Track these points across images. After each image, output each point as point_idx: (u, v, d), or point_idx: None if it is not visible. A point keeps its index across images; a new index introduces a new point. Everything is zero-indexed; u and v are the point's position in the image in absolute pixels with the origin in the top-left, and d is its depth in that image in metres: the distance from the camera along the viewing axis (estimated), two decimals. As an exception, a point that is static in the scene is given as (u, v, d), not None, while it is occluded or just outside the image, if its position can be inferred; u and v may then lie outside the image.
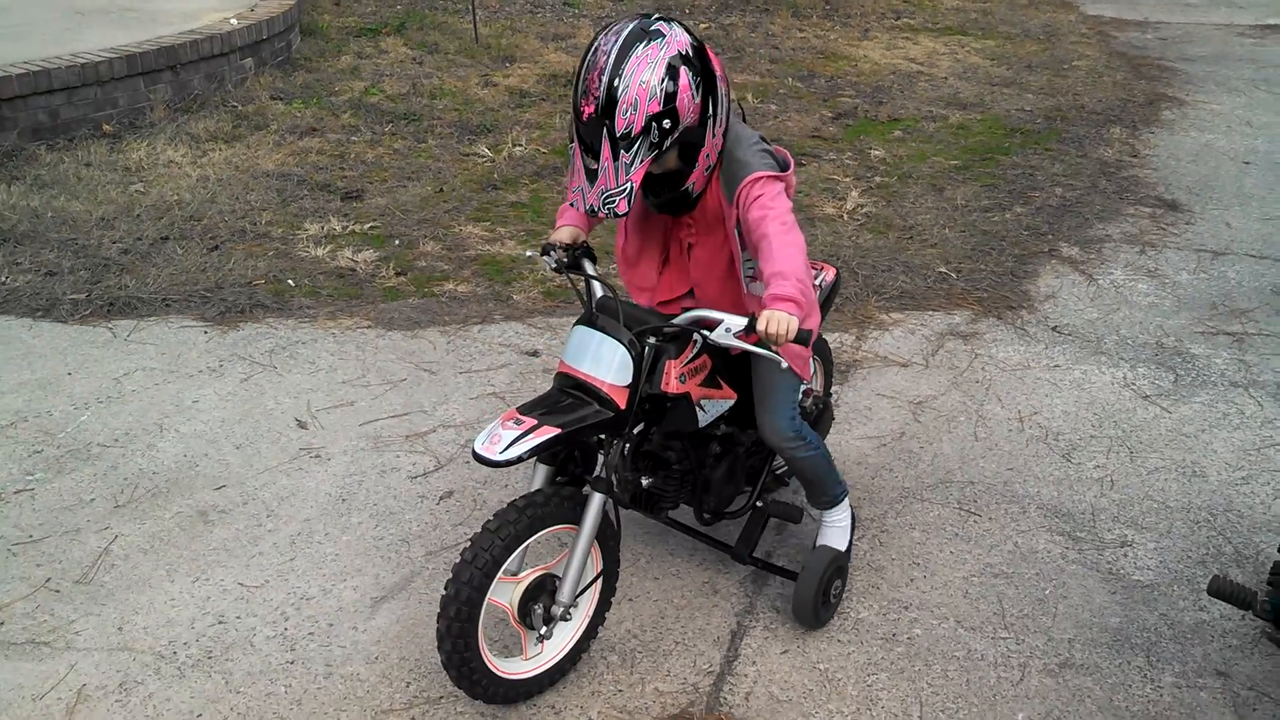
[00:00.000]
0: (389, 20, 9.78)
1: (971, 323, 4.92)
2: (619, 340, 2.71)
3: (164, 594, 3.19)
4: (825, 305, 3.45)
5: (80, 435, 3.93)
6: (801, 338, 2.53)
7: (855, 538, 3.49)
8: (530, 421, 2.59)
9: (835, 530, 3.26)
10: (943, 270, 5.40)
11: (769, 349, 2.62)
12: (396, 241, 5.59)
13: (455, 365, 4.46)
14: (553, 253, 2.92)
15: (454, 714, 2.81)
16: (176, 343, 4.56)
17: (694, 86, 2.58)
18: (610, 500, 2.79)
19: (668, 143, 2.58)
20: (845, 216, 6.04)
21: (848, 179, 6.61)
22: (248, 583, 3.25)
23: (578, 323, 2.81)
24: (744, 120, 2.93)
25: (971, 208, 6.21)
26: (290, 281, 5.10)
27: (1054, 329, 4.87)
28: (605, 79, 2.52)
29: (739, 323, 2.60)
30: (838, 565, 3.13)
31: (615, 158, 2.55)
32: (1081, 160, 7.00)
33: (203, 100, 7.44)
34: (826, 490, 3.21)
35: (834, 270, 3.51)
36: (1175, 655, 3.07)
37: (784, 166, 2.82)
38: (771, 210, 2.66)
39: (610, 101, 2.51)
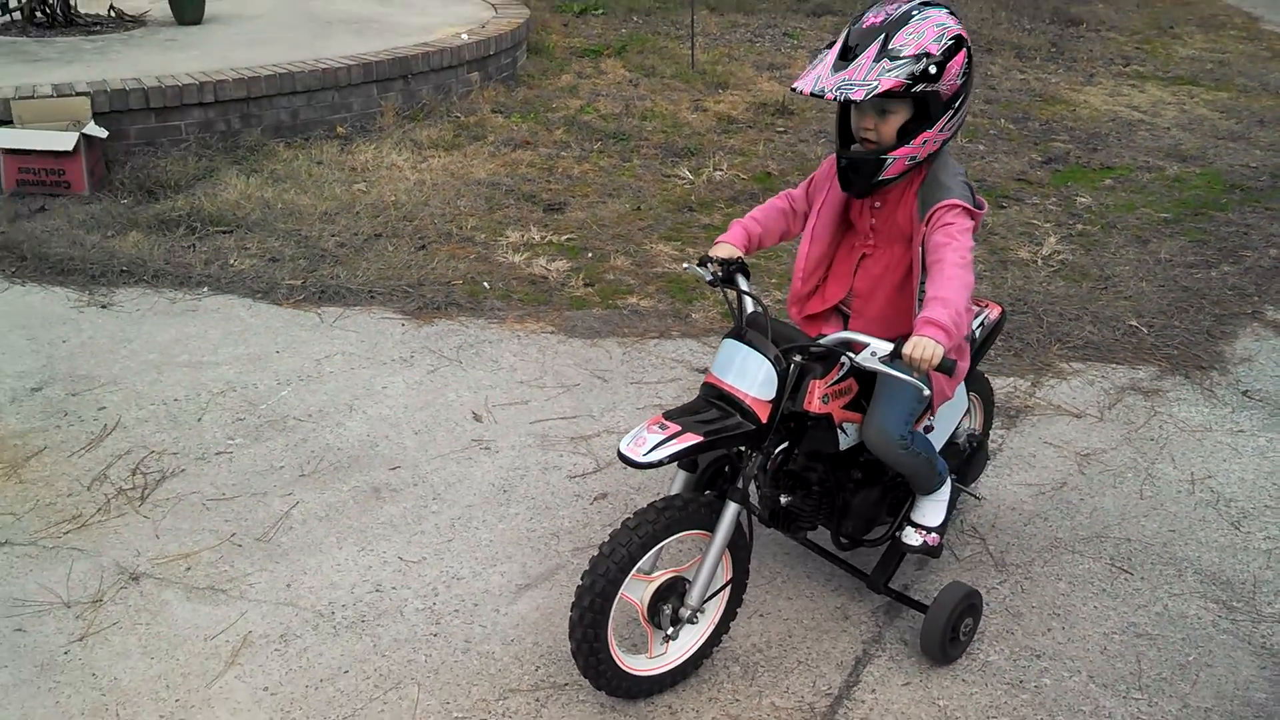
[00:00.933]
0: (612, 42, 10.13)
1: (1156, 379, 4.78)
2: (765, 355, 2.80)
3: (331, 559, 3.47)
4: (986, 342, 3.45)
5: (279, 408, 4.28)
6: (945, 367, 2.59)
7: (998, 581, 3.49)
8: (674, 428, 2.72)
9: (930, 505, 3.26)
10: (1133, 324, 5.25)
11: (912, 374, 2.67)
12: (589, 254, 5.82)
13: (628, 375, 4.63)
14: (709, 265, 3.04)
15: (576, 701, 2.95)
16: (375, 332, 4.90)
17: (963, 70, 2.78)
18: (745, 511, 2.88)
19: (920, 86, 2.71)
20: (1039, 262, 5.94)
21: (1048, 224, 6.49)
22: (407, 558, 3.49)
23: (727, 336, 2.92)
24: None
25: (1175, 262, 6.00)
26: (485, 284, 5.39)
27: (1244, 393, 4.68)
28: (905, 7, 2.75)
29: (885, 347, 2.67)
30: (970, 604, 3.12)
31: (877, 60, 2.68)
32: (1305, 222, 6.66)
33: (429, 109, 7.91)
34: (929, 482, 3.21)
35: (999, 308, 3.51)
36: (1320, 739, 2.95)
37: (979, 207, 2.91)
38: (956, 241, 2.75)
39: (902, 20, 2.71)
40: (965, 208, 2.82)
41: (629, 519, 2.78)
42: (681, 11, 11.02)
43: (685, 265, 3.27)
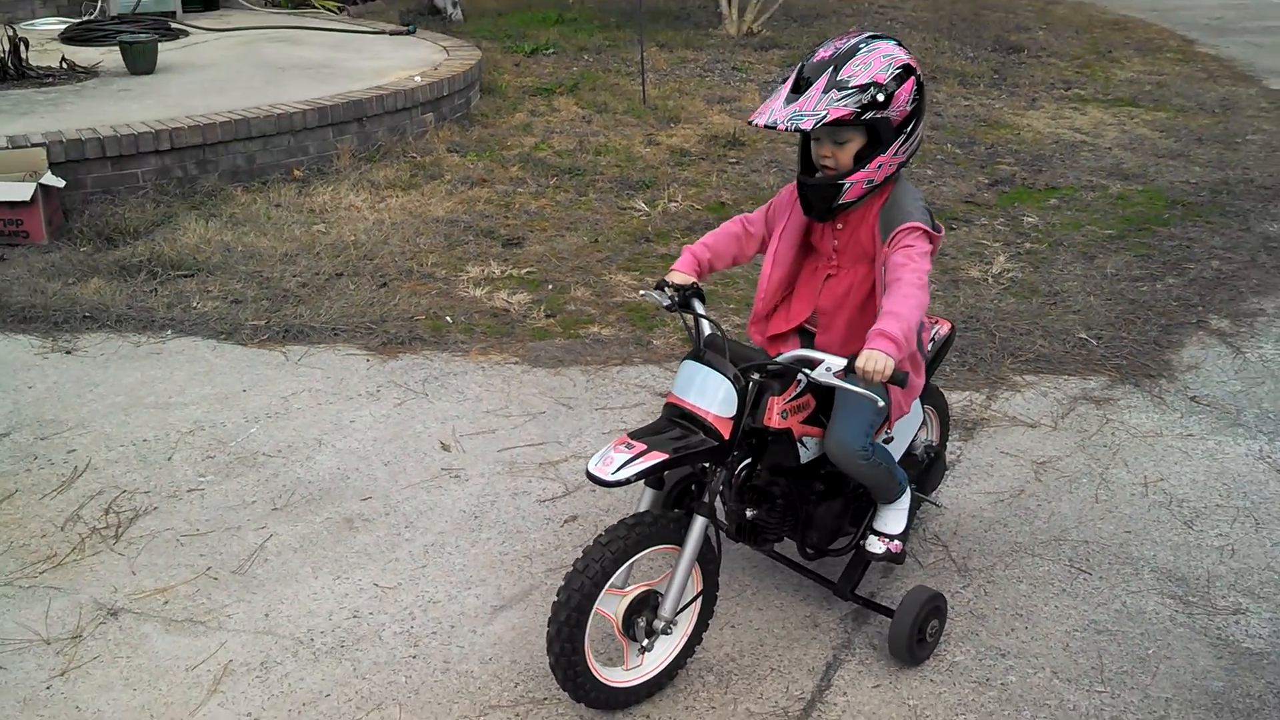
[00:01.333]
0: (564, 81, 10.26)
1: (1107, 389, 4.92)
2: (724, 375, 2.90)
3: (308, 588, 3.51)
4: (938, 357, 3.57)
5: (249, 445, 4.31)
6: (897, 379, 2.71)
7: (962, 585, 3.58)
8: (640, 446, 2.81)
9: (892, 513, 3.36)
10: (1083, 336, 5.40)
11: (866, 389, 2.78)
12: (549, 286, 5.90)
13: (592, 402, 4.71)
14: (665, 289, 3.16)
15: (555, 715, 3.01)
16: (341, 368, 4.95)
17: (911, 97, 2.93)
18: (712, 525, 2.97)
19: (869, 115, 2.85)
20: (990, 280, 6.10)
21: (996, 244, 6.65)
22: (383, 584, 3.53)
23: (686, 358, 3.03)
24: None
25: (1121, 276, 6.18)
26: (448, 318, 5.46)
27: (1192, 399, 4.83)
28: (853, 41, 2.92)
29: (839, 363, 2.79)
30: (934, 606, 3.21)
31: (825, 91, 2.83)
32: (1244, 234, 6.86)
33: (385, 150, 7.98)
34: (889, 491, 3.29)
35: (949, 324, 3.63)
36: (1276, 722, 3.05)
37: (937, 230, 3.06)
38: (914, 263, 2.88)
39: (849, 54, 2.88)
40: (925, 230, 2.96)
41: (601, 536, 2.85)
42: (631, 49, 11.18)
43: (642, 292, 3.38)
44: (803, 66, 2.93)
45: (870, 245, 3.08)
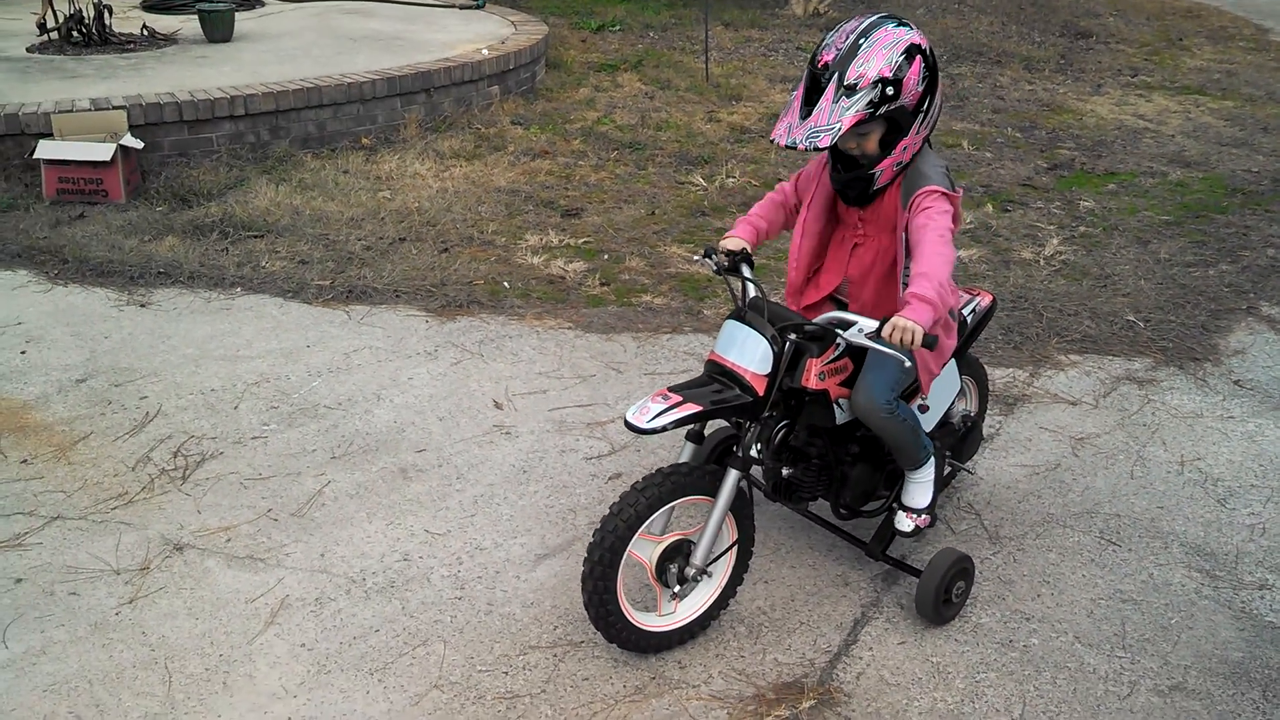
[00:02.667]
0: (628, 57, 10.38)
1: (1150, 370, 4.96)
2: (763, 335, 3.03)
3: (362, 532, 3.69)
4: (978, 328, 3.65)
5: (311, 397, 4.51)
6: (927, 342, 2.79)
7: (991, 552, 3.68)
8: (676, 398, 2.94)
9: (917, 487, 3.45)
10: (1131, 319, 5.43)
11: (895, 350, 2.89)
12: (605, 256, 6.05)
13: (641, 367, 4.84)
14: (714, 255, 3.28)
15: (590, 657, 3.16)
16: (401, 328, 5.13)
17: (921, 76, 2.94)
18: (745, 479, 3.10)
19: (883, 109, 2.90)
20: (1041, 261, 6.14)
21: (1051, 227, 6.68)
22: (433, 530, 3.71)
23: (729, 317, 3.15)
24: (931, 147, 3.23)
25: (1174, 262, 6.18)
26: (506, 284, 5.62)
27: (1236, 382, 4.86)
28: (852, 38, 2.91)
29: (870, 325, 2.90)
30: (961, 568, 3.32)
31: (835, 100, 2.86)
32: (1304, 223, 6.83)
33: (450, 121, 8.17)
34: (913, 455, 3.36)
35: (990, 297, 3.71)
36: (1292, 692, 3.13)
37: (955, 191, 3.11)
38: (934, 222, 2.95)
39: (850, 54, 2.88)
40: (942, 192, 3.02)
41: (638, 483, 2.99)
42: (696, 27, 11.27)
43: (696, 257, 3.49)
44: (808, 74, 2.96)
45: (894, 214, 3.16)
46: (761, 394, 3.02)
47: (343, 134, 7.71)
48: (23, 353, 4.79)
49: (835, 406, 3.22)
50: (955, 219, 3.07)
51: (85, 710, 2.94)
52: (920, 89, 2.96)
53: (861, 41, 2.90)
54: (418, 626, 3.27)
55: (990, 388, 4.16)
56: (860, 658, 3.21)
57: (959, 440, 3.86)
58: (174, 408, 4.40)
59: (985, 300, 3.70)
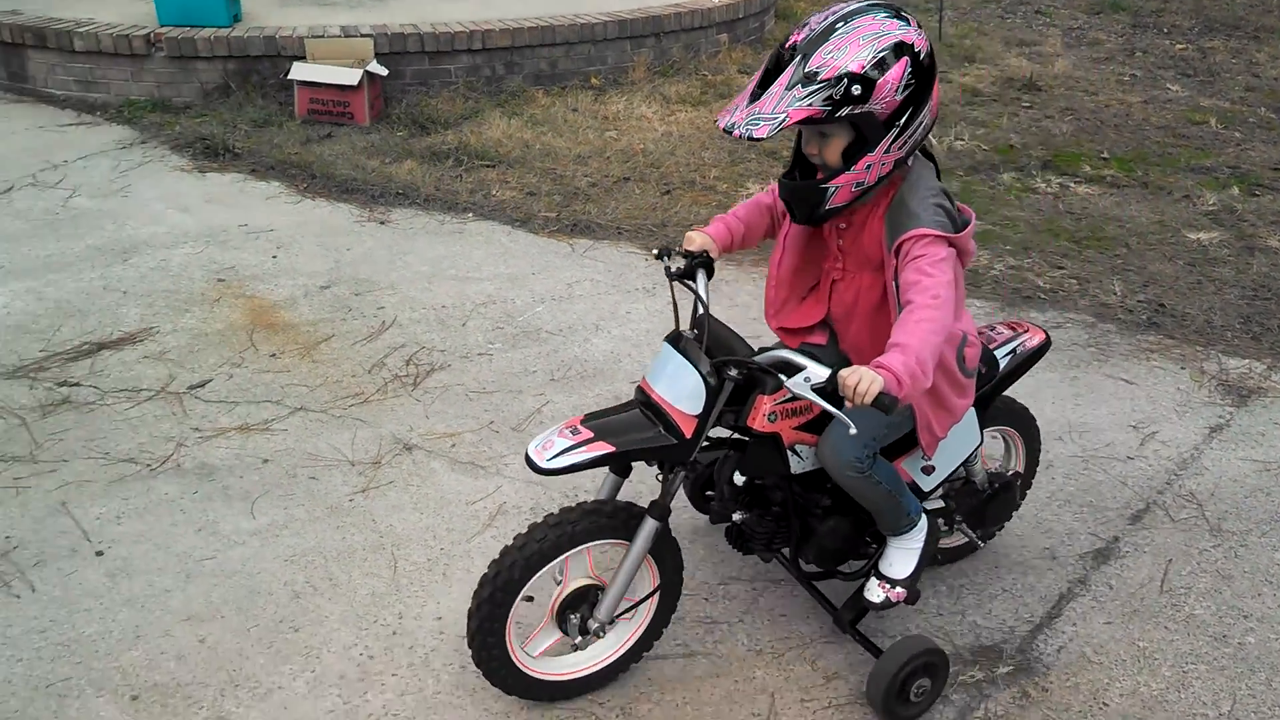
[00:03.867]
0: (859, 13, 10.22)
1: (1404, 371, 4.65)
2: (696, 367, 2.53)
3: (577, 451, 3.83)
4: (1019, 370, 3.14)
5: (534, 321, 4.69)
6: (881, 404, 2.24)
7: (1212, 544, 3.54)
8: (586, 434, 2.52)
9: (898, 554, 2.93)
10: (1385, 316, 5.10)
11: (843, 408, 2.35)
12: (825, 209, 6.02)
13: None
14: (672, 253, 2.80)
15: (789, 595, 3.21)
16: (621, 264, 5.26)
17: (904, 83, 2.41)
18: (663, 528, 2.69)
19: (844, 111, 2.37)
20: (1289, 250, 5.81)
21: (1302, 214, 6.30)
22: (644, 457, 3.81)
23: (665, 339, 2.67)
24: (937, 170, 2.68)
25: None
26: (724, 229, 5.67)
27: None
28: (830, 19, 2.41)
29: (820, 374, 2.36)
30: (927, 662, 2.78)
31: (790, 87, 2.35)
32: None
33: (678, 66, 8.24)
34: (891, 521, 2.87)
35: (1041, 335, 3.19)
36: None
37: (960, 226, 2.58)
38: (927, 278, 2.42)
39: (822, 36, 2.38)
40: (936, 236, 2.48)
41: (551, 515, 2.63)
42: (932, -14, 11.02)
43: (651, 252, 2.99)
44: (777, 53, 2.45)
45: (876, 251, 2.62)
46: (689, 436, 2.54)
47: (573, 73, 7.88)
48: (274, 257, 5.13)
49: (791, 453, 2.72)
50: (963, 259, 2.59)
51: (320, 582, 3.19)
52: (899, 97, 2.42)
53: (839, 25, 2.39)
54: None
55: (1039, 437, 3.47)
56: (1063, 632, 3.16)
57: (982, 503, 3.26)
58: (408, 319, 4.64)
59: (1033, 340, 3.15)
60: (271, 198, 5.79)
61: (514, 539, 2.60)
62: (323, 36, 7.16)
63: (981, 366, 2.88)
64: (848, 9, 2.44)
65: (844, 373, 2.26)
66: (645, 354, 4.46)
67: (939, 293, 2.39)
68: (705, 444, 2.63)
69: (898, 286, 2.48)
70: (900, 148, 2.49)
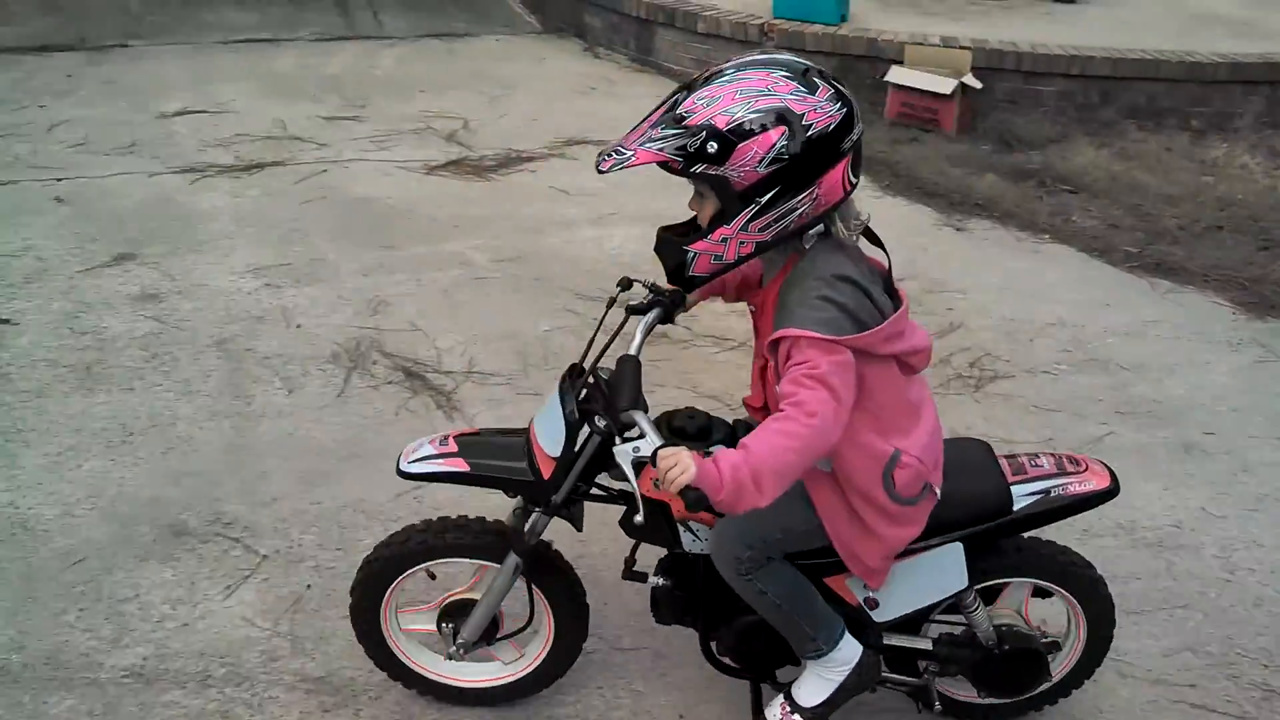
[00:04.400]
0: None
1: None
2: (561, 408, 2.35)
3: (1137, 488, 3.72)
4: (1060, 514, 2.48)
5: (1103, 351, 4.61)
6: (685, 495, 2.01)
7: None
8: (451, 448, 2.45)
9: (811, 679, 2.52)
10: None
11: (639, 496, 2.14)
12: None
13: None
14: (633, 287, 2.48)
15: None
16: (1204, 313, 5.02)
17: (772, 157, 2.05)
18: (524, 566, 2.51)
19: (698, 167, 2.07)
20: None
21: None
22: (1210, 510, 3.67)
23: (565, 372, 2.47)
24: (858, 253, 2.25)
25: None
26: None
27: None
28: (734, 63, 2.13)
29: (648, 447, 2.09)
30: None
31: (655, 125, 2.11)
32: None
33: (1292, 119, 7.63)
34: (796, 641, 2.48)
35: (1106, 479, 2.52)
36: None
37: (860, 327, 2.12)
38: (805, 391, 2.04)
39: (711, 78, 2.11)
40: (813, 339, 2.07)
41: (417, 524, 2.59)
42: None
43: (625, 278, 2.52)
44: (676, 89, 2.18)
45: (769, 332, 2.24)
46: (547, 478, 2.37)
47: (1172, 111, 7.51)
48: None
49: (684, 529, 2.44)
50: (908, 359, 2.26)
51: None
52: (762, 170, 2.05)
53: (729, 74, 2.09)
54: (1180, 589, 3.29)
55: (1107, 610, 2.63)
56: None
57: (987, 662, 2.59)
58: (976, 325, 4.74)
59: (1083, 485, 2.48)
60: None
61: (389, 535, 2.60)
62: (923, 44, 7.37)
63: (933, 493, 2.33)
64: (752, 59, 2.13)
65: (664, 450, 2.04)
66: (1222, 409, 4.25)
67: (814, 409, 2.03)
68: (594, 490, 2.47)
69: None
70: (762, 230, 2.13)
